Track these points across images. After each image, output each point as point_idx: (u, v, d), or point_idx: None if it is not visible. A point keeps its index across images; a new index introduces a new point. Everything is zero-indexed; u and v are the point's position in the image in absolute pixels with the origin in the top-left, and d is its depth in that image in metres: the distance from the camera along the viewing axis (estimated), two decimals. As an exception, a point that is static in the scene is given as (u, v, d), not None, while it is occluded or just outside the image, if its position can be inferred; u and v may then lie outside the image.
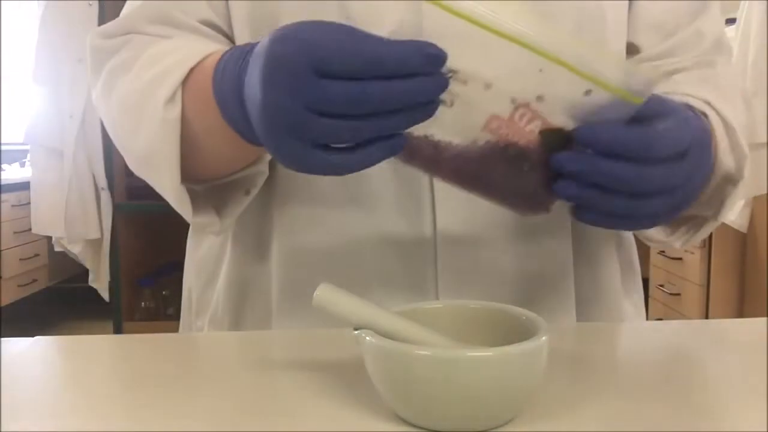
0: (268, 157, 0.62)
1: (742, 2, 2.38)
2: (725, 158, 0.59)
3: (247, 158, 0.60)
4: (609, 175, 0.46)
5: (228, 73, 0.50)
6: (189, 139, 0.56)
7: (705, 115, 0.59)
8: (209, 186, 0.63)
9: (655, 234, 0.65)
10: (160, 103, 0.53)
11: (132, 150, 0.59)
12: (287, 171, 0.62)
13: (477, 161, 0.47)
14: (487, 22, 0.44)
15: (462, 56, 0.49)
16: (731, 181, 0.60)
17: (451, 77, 0.45)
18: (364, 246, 0.64)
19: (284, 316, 0.67)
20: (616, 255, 0.71)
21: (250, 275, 0.69)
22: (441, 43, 0.48)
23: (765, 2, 2.24)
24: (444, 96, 0.45)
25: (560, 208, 0.51)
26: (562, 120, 0.47)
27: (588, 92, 0.45)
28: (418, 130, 0.46)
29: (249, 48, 0.49)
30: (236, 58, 0.50)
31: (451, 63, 0.44)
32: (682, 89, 0.62)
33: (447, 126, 0.47)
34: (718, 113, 0.59)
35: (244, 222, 0.68)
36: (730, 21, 2.54)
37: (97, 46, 0.66)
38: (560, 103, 0.46)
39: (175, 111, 0.54)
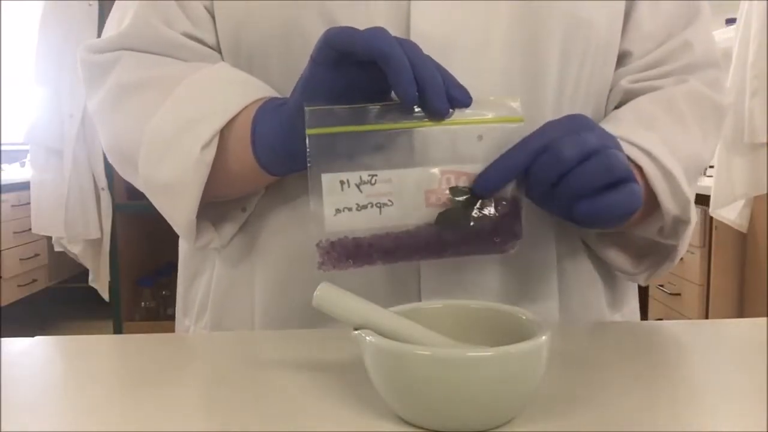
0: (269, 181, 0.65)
1: (742, 2, 2.38)
2: (668, 205, 0.61)
3: (262, 187, 0.66)
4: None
5: (267, 126, 0.59)
6: (213, 176, 0.61)
7: (640, 168, 0.60)
8: (207, 203, 0.64)
9: (623, 264, 0.68)
10: (198, 145, 0.59)
11: (149, 175, 0.63)
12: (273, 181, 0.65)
13: (442, 233, 0.53)
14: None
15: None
16: (681, 222, 0.63)
17: (375, 183, 0.52)
18: None
19: (267, 320, 0.67)
20: (593, 262, 0.71)
21: (233, 279, 0.70)
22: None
23: (765, 2, 2.25)
24: (381, 200, 0.52)
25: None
26: (480, 168, 0.54)
27: (480, 137, 0.54)
28: (375, 230, 0.52)
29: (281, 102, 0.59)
30: (271, 112, 0.59)
31: (372, 165, 0.52)
32: (640, 113, 0.65)
33: (400, 217, 0.53)
34: (656, 162, 0.61)
35: None
36: (730, 21, 2.55)
37: (89, 60, 0.69)
38: (468, 155, 0.54)
39: (211, 154, 0.60)
